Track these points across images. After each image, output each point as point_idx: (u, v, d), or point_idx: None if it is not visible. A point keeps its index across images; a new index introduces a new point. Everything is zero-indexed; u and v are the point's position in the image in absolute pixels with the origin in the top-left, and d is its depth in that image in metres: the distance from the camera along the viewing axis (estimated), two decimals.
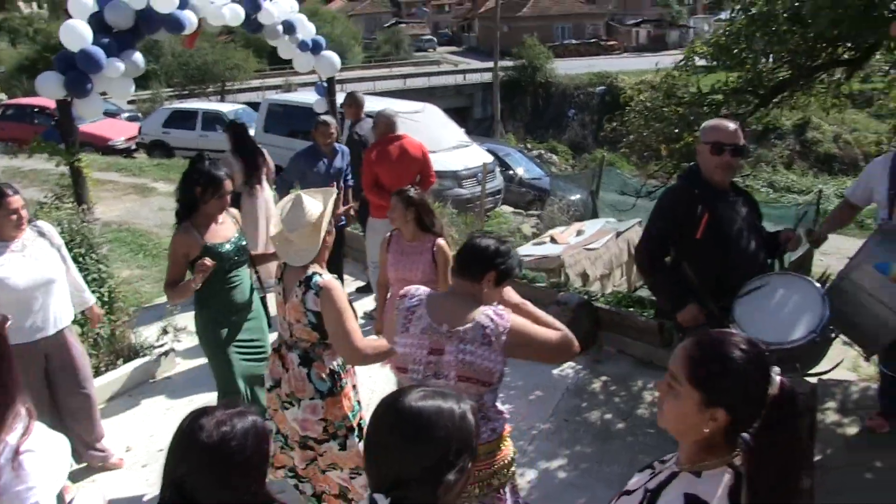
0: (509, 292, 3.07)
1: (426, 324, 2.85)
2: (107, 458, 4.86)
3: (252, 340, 4.48)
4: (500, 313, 2.86)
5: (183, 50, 39.85)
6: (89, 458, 4.80)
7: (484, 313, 2.84)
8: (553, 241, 9.86)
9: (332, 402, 3.55)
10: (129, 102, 35.11)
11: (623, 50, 58.61)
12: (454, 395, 1.71)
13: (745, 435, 1.72)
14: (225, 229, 4.38)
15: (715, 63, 6.48)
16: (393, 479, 1.59)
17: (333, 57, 8.04)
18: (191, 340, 5.80)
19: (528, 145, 31.80)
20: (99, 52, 5.74)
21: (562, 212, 13.67)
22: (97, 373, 5.87)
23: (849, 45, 6.03)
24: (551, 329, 2.94)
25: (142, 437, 5.28)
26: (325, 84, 8.46)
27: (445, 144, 13.92)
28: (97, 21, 5.96)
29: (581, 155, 32.49)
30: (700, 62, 6.62)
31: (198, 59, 38.40)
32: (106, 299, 5.97)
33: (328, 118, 7.15)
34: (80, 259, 5.80)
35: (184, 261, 4.23)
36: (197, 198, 4.24)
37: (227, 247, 4.31)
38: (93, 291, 5.83)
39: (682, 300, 3.93)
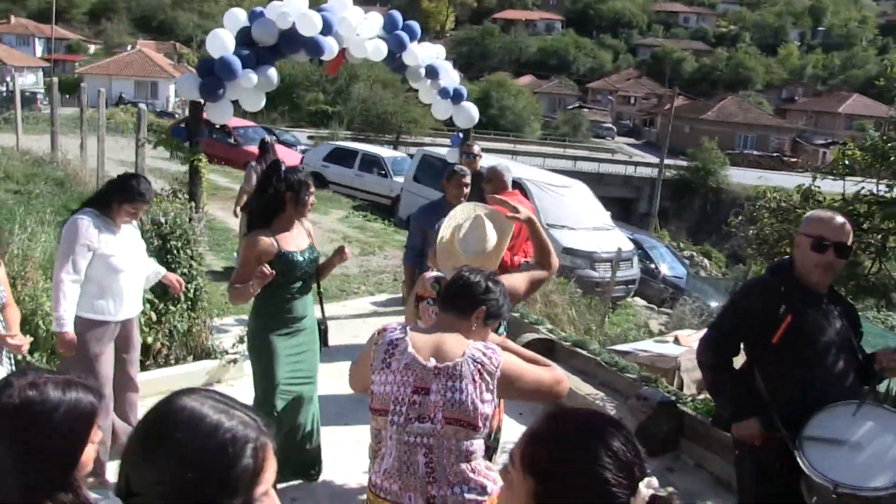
0: (491, 334, 2.83)
1: (410, 359, 2.57)
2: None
3: (300, 357, 4.38)
4: (491, 348, 2.61)
5: (367, 96, 42.00)
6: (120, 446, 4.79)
7: (475, 348, 2.59)
8: (676, 341, 9.30)
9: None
10: (308, 138, 37.30)
11: (805, 169, 56.09)
12: (248, 417, 1.36)
13: None
14: (299, 239, 4.32)
15: (868, 168, 5.91)
16: (124, 488, 1.31)
17: (472, 108, 8.03)
18: None
19: (681, 244, 30.74)
20: (236, 62, 5.98)
21: (693, 314, 12.95)
22: (166, 363, 5.99)
23: None
24: (540, 366, 2.75)
25: None
26: (461, 135, 8.46)
27: (586, 224, 13.63)
28: (244, 35, 6.24)
29: (736, 265, 31.10)
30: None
31: (379, 108, 40.12)
32: (191, 296, 6.08)
33: (464, 168, 6.21)
34: (175, 251, 5.96)
35: (255, 264, 4.13)
36: (281, 203, 4.20)
37: (300, 257, 4.24)
38: None
39: (743, 410, 3.43)
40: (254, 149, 21.82)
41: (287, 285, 4.25)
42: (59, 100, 16.41)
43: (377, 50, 6.84)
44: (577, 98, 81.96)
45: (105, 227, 4.26)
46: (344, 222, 14.60)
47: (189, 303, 6.07)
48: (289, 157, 22.02)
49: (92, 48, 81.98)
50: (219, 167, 19.27)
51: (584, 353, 6.60)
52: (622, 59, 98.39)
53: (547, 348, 6.74)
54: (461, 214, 3.49)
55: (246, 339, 4.49)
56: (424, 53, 7.33)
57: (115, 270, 4.28)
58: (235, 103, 6.42)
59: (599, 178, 40.44)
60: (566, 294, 9.58)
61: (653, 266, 17.76)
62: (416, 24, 7.23)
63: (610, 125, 72.41)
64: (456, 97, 7.86)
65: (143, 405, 5.50)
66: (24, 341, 3.58)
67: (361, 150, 21.14)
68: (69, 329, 4.18)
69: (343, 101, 49.82)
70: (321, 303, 4.61)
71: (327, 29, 6.33)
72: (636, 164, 47.50)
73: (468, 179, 5.88)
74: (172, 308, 5.97)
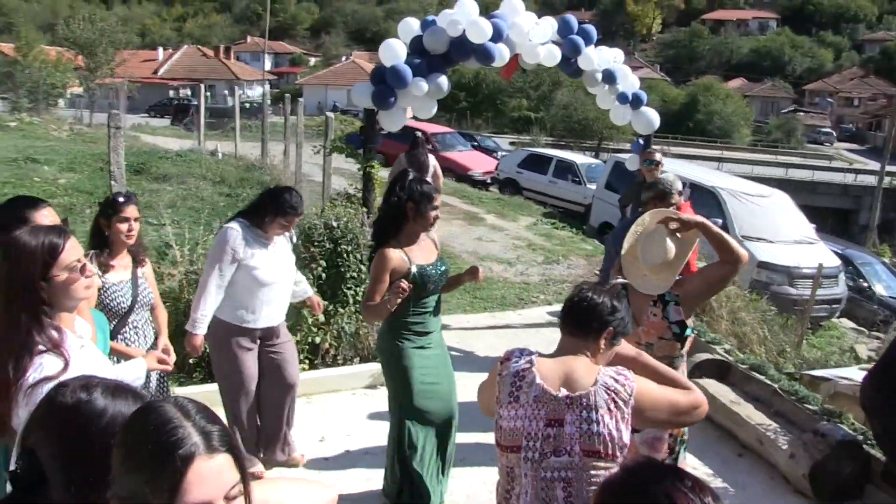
0: (623, 346, 2.64)
1: (539, 391, 2.40)
2: (291, 450, 4.96)
3: (437, 369, 4.29)
4: (623, 373, 2.44)
5: (569, 102, 41.70)
6: (272, 452, 4.87)
7: (607, 375, 2.42)
8: None
9: None
10: (510, 143, 37.64)
11: None
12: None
13: None
14: (427, 251, 4.23)
15: None
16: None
17: (651, 114, 7.71)
18: None
19: None
20: (406, 70, 6.09)
21: None
22: (333, 363, 6.21)
23: None
24: (678, 386, 2.56)
25: (340, 434, 5.41)
26: (642, 141, 8.14)
27: (785, 236, 12.65)
28: (416, 43, 6.35)
29: None
30: None
31: (580, 113, 39.67)
32: (359, 298, 6.26)
33: (671, 179, 5.01)
34: (345, 255, 6.18)
35: (388, 280, 4.03)
36: (403, 214, 4.09)
37: (432, 270, 4.13)
38: (347, 288, 6.21)
39: None
40: (453, 155, 22.59)
41: (418, 299, 4.12)
42: (279, 109, 17.51)
43: (550, 55, 6.73)
44: (793, 101, 76.89)
45: (254, 240, 4.37)
46: (531, 229, 14.54)
47: (357, 305, 6.25)
48: (482, 161, 22.38)
49: (312, 60, 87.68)
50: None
51: (762, 378, 6.08)
52: (845, 58, 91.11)
53: (720, 370, 6.31)
54: (645, 223, 3.45)
55: (378, 355, 4.47)
56: (601, 57, 7.12)
57: (260, 283, 4.38)
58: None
59: (813, 187, 37.69)
60: (757, 311, 8.94)
61: (865, 285, 16.22)
62: (592, 28, 7.04)
63: (829, 129, 67.32)
64: (635, 102, 7.58)
65: (308, 402, 5.78)
66: (169, 359, 3.37)
67: (556, 156, 20.97)
68: (199, 332, 4.37)
69: (546, 107, 49.90)
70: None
71: (497, 35, 6.30)
72: (856, 171, 43.68)
73: (676, 198, 4.95)
74: (341, 310, 6.18)
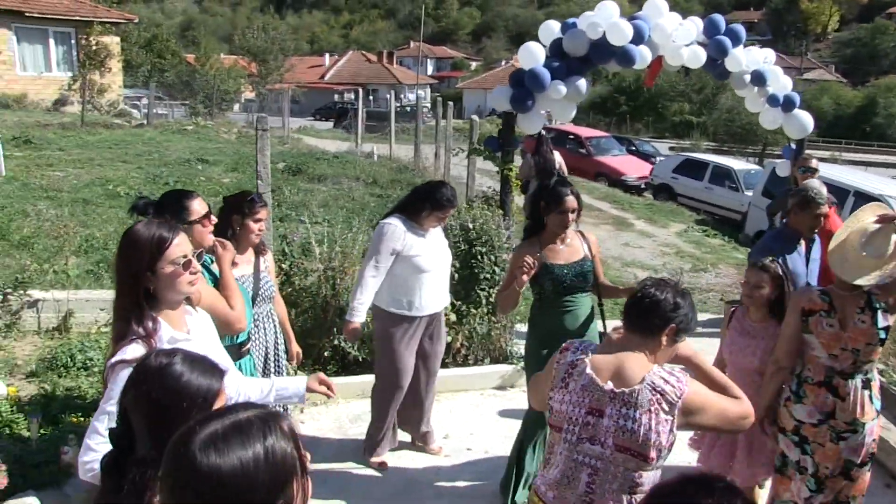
0: (681, 345, 2.63)
1: (588, 380, 2.49)
2: (429, 438, 5.17)
3: None
4: (676, 375, 2.43)
5: (731, 106, 40.04)
6: (420, 435, 5.15)
7: (657, 374, 2.43)
8: None
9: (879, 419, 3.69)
10: (670, 149, 36.62)
11: None
12: (257, 422, 1.36)
13: None
14: (569, 252, 4.28)
15: None
16: None
17: (804, 116, 7.30)
18: None
19: None
20: (544, 73, 6.08)
21: None
22: (464, 363, 6.31)
23: None
24: (728, 394, 2.59)
25: (463, 432, 5.50)
26: (794, 146, 7.73)
27: None
28: (556, 46, 6.34)
29: None
30: None
31: (744, 118, 38.01)
32: (492, 300, 6.32)
33: (821, 193, 4.68)
34: (479, 256, 6.26)
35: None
36: (540, 213, 4.25)
37: (564, 270, 4.20)
38: (480, 289, 6.30)
39: None
40: (607, 159, 22.27)
41: (555, 298, 4.24)
42: (437, 113, 17.94)
43: (695, 56, 6.52)
44: None
45: (412, 231, 4.60)
46: (681, 236, 14.12)
47: (490, 307, 6.32)
48: (636, 166, 21.92)
49: (473, 65, 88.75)
50: (568, 177, 19.70)
51: None
52: None
53: None
54: (865, 217, 3.60)
55: (523, 353, 4.58)
56: (750, 58, 6.82)
57: (421, 270, 4.60)
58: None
59: None
60: None
61: None
62: (740, 28, 6.75)
63: None
64: (786, 105, 7.20)
65: (437, 400, 5.88)
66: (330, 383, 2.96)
67: (712, 161, 20.22)
68: (357, 320, 4.61)
69: (708, 111, 48.20)
70: (602, 317, 4.48)
71: (639, 37, 6.17)
72: None
73: (825, 210, 4.70)
74: (473, 311, 6.27)
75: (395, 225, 4.57)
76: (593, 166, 21.89)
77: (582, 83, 6.29)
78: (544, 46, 6.41)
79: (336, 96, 56.42)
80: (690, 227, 15.20)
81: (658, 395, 2.38)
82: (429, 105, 34.84)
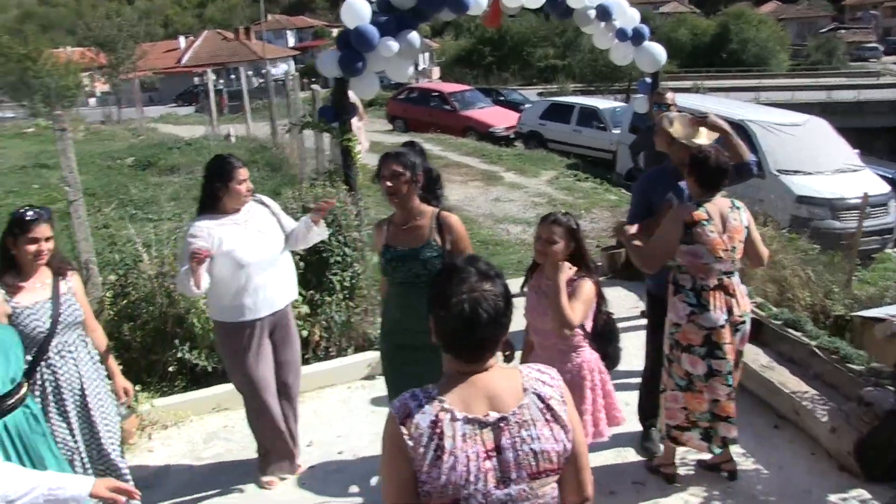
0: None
1: (466, 426, 1.90)
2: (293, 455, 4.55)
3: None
4: (546, 372, 2.03)
5: (593, 46, 40.43)
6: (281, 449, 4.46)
7: (533, 379, 1.99)
8: None
9: None
10: (538, 94, 36.62)
11: None
12: None
13: None
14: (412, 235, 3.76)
15: None
16: None
17: (655, 48, 7.03)
18: None
19: None
20: (371, 31, 5.55)
21: None
22: (326, 356, 5.78)
23: None
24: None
25: (330, 435, 4.99)
26: (649, 80, 7.44)
27: (825, 166, 11.75)
28: (384, 1, 5.79)
29: None
30: None
31: (606, 57, 38.46)
32: (347, 284, 5.80)
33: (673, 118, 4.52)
34: (328, 240, 5.68)
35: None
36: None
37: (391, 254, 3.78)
38: (332, 274, 5.75)
39: None
40: (473, 113, 21.84)
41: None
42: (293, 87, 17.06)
43: None
44: (832, 19, 73.71)
45: (220, 224, 3.98)
46: (553, 184, 13.90)
47: (346, 292, 5.79)
48: (504, 117, 21.64)
49: (335, 31, 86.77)
50: (435, 136, 19.28)
51: (797, 336, 5.39)
52: None
53: (751, 329, 5.68)
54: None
55: None
56: None
57: (241, 264, 3.97)
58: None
59: (859, 107, 35.82)
60: (798, 252, 8.16)
61: None
62: None
63: (874, 45, 64.38)
64: (636, 38, 6.91)
65: (302, 401, 5.31)
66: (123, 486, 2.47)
67: (578, 103, 20.16)
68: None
69: (572, 53, 48.46)
70: None
71: None
72: None
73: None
74: (328, 298, 5.72)
75: (195, 225, 3.96)
76: (460, 121, 21.46)
77: (415, 37, 5.79)
78: (371, 2, 5.83)
79: (196, 79, 54.02)
80: (562, 174, 15.00)
81: (546, 401, 1.96)
82: (291, 79, 33.61)
